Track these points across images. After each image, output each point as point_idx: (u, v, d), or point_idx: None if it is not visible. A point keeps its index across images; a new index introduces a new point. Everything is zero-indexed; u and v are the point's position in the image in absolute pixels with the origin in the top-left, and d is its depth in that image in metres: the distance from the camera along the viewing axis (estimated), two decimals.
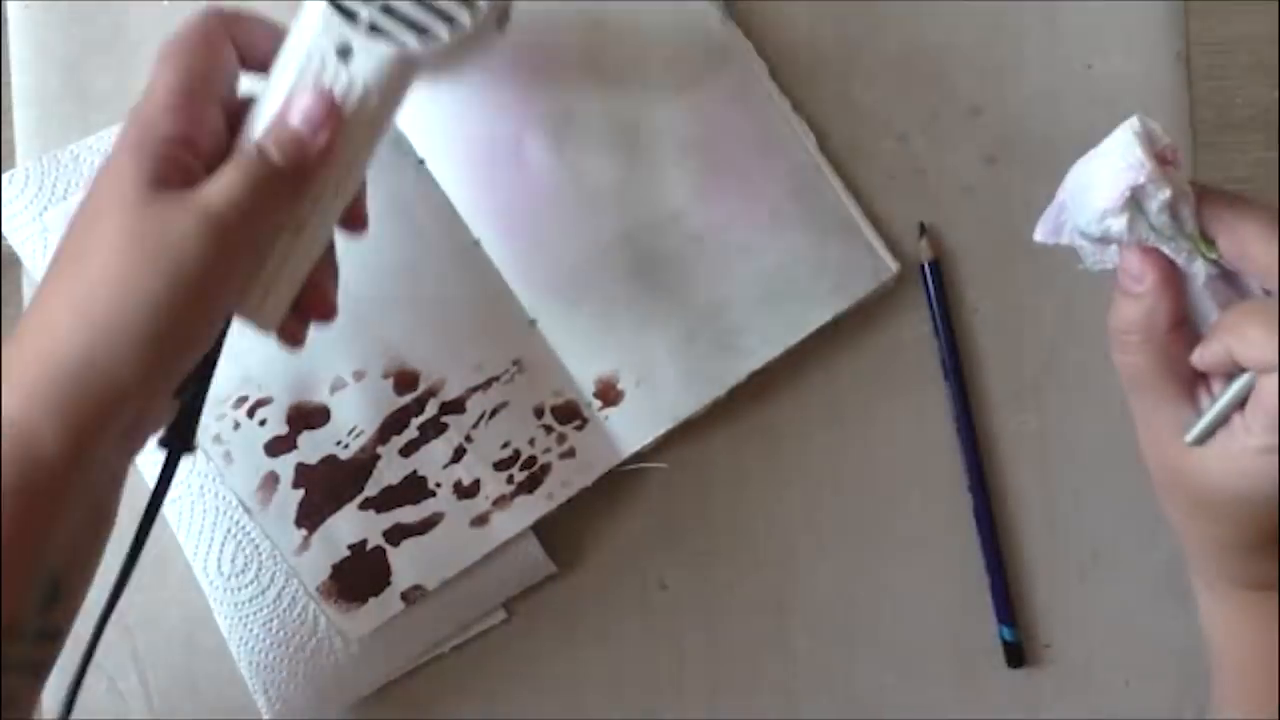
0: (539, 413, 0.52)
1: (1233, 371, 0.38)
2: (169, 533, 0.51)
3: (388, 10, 0.40)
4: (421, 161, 0.52)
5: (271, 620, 0.51)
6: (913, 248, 0.53)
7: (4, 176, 0.53)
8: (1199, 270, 0.39)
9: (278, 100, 0.41)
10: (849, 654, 0.52)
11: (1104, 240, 0.39)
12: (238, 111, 0.42)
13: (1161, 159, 0.38)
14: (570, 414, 0.52)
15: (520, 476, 0.51)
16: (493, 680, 0.52)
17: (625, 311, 0.52)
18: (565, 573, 0.52)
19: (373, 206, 0.52)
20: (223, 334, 0.41)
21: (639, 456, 0.52)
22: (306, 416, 0.51)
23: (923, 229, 0.53)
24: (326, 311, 0.45)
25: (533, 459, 0.51)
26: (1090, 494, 0.52)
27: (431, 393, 0.52)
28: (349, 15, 0.40)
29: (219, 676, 0.52)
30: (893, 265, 0.52)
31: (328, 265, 0.45)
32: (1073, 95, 0.53)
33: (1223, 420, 0.38)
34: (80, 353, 0.37)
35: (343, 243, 0.45)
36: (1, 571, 0.36)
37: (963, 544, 0.52)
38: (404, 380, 0.51)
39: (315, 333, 0.51)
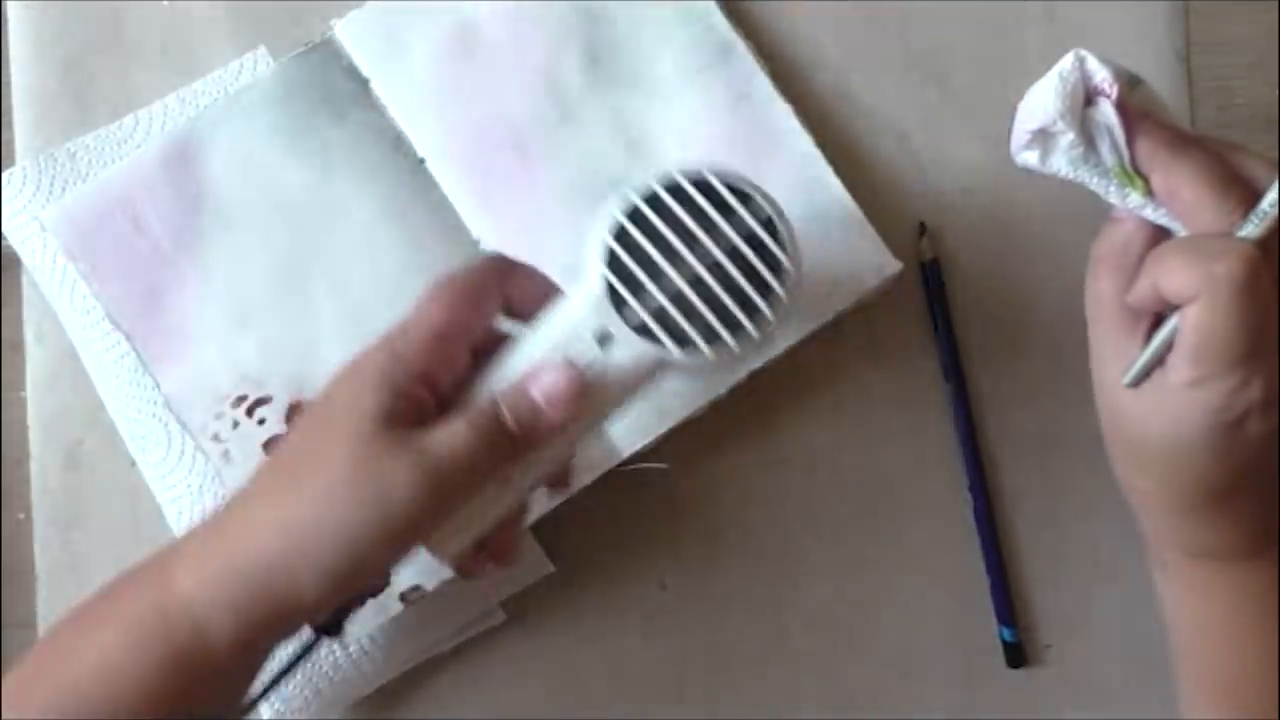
0: None
1: (1162, 310, 0.38)
2: (168, 533, 0.51)
3: (660, 315, 0.40)
4: (422, 161, 0.52)
5: None
6: (913, 248, 0.53)
7: (3, 175, 0.53)
8: (1135, 202, 0.39)
9: (528, 363, 0.41)
10: (849, 654, 0.52)
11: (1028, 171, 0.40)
12: (486, 347, 0.42)
13: (1092, 95, 0.39)
14: None
15: None
16: (492, 680, 0.52)
17: None
18: (565, 573, 0.52)
19: (372, 205, 0.52)
20: None
21: (639, 456, 0.52)
22: None
23: (923, 229, 0.53)
24: (505, 558, 0.44)
25: None
26: (1090, 494, 0.52)
27: None
28: (621, 307, 0.40)
29: None
30: (894, 264, 0.52)
31: (517, 515, 0.45)
32: None
33: (1157, 361, 0.38)
34: (273, 563, 0.38)
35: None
36: None
37: (963, 544, 0.52)
38: None
39: (315, 331, 0.51)
